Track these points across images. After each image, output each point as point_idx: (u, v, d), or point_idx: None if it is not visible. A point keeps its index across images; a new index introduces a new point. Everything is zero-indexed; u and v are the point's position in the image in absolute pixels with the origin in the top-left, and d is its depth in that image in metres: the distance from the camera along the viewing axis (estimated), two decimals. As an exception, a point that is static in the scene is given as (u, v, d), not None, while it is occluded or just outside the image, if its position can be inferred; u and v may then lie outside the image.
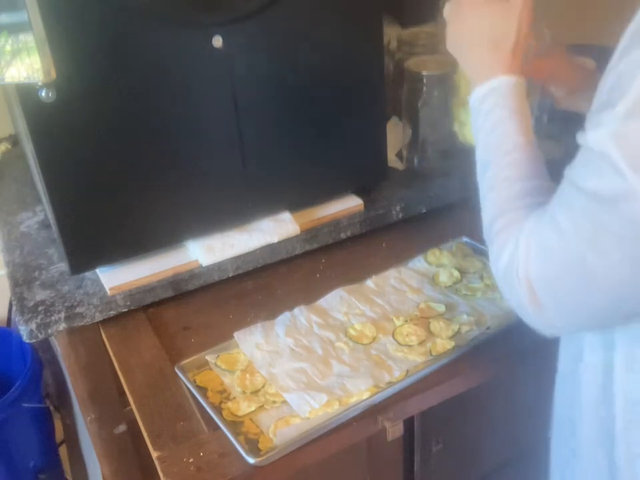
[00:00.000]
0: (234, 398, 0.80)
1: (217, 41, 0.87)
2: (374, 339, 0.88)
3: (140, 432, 0.79)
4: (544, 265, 0.60)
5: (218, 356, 0.86)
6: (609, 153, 0.52)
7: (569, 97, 0.92)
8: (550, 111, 1.21)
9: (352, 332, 0.89)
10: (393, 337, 0.88)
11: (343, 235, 1.08)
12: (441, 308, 0.93)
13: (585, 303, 0.59)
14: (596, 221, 0.55)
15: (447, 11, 0.80)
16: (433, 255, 1.03)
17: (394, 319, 0.91)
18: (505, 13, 0.74)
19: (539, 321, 0.63)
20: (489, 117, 0.72)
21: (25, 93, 0.78)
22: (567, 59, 0.92)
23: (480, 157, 0.73)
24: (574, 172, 0.58)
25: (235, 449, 0.73)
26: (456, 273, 0.99)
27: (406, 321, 0.91)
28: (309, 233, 1.05)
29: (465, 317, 0.90)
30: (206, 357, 0.86)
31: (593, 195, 0.55)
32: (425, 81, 1.10)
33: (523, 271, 0.61)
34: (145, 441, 0.77)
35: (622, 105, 0.52)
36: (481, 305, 0.93)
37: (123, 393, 0.88)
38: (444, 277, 0.99)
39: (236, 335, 0.89)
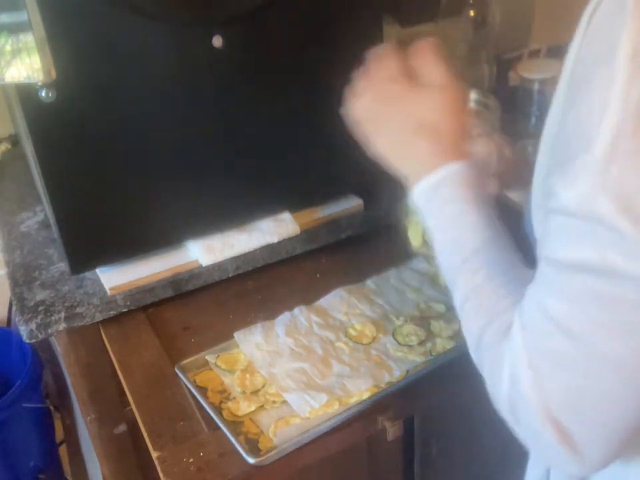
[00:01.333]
0: (234, 398, 0.80)
1: (217, 41, 0.87)
2: (374, 339, 0.88)
3: (140, 432, 0.79)
4: (560, 383, 0.46)
5: (218, 356, 0.86)
6: (597, 211, 0.43)
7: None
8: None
9: (352, 332, 0.89)
10: (393, 336, 0.88)
11: (343, 235, 1.08)
12: (442, 308, 0.93)
13: (626, 413, 0.46)
14: (603, 300, 0.44)
15: (360, 106, 0.65)
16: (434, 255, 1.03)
17: (394, 318, 0.91)
18: (438, 97, 0.62)
19: (575, 462, 0.47)
20: (444, 213, 0.60)
21: (25, 92, 0.78)
22: (529, 162, 0.77)
23: (444, 260, 0.61)
24: (551, 249, 0.48)
25: (235, 449, 0.73)
26: (456, 273, 0.99)
27: (406, 321, 0.91)
28: (309, 233, 1.05)
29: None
30: (206, 357, 0.86)
31: (587, 269, 0.44)
32: (424, 80, 1.10)
33: (536, 401, 0.47)
34: (145, 441, 0.77)
35: (597, 149, 0.43)
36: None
37: (123, 393, 0.88)
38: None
39: (236, 335, 0.89)
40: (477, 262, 0.57)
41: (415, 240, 0.85)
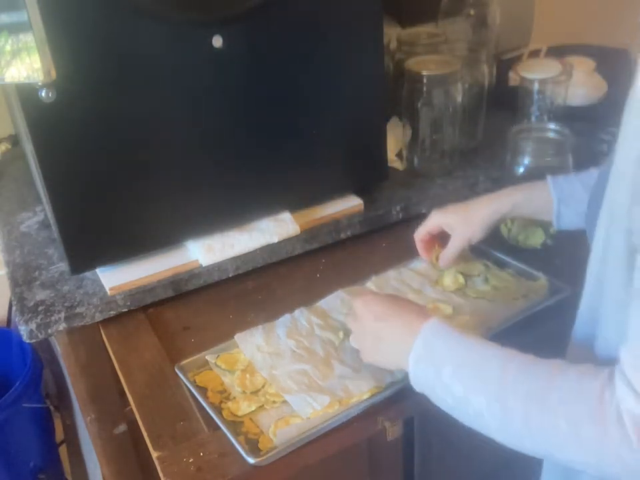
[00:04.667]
0: (234, 398, 0.80)
1: (217, 41, 0.87)
2: (374, 339, 0.88)
3: (140, 432, 0.79)
4: None
5: (218, 356, 0.86)
6: None
7: None
8: (549, 110, 1.21)
9: (352, 332, 0.89)
10: (393, 337, 0.88)
11: (343, 235, 1.08)
12: (447, 309, 0.92)
13: None
14: None
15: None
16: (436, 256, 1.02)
17: (394, 319, 0.90)
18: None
19: None
20: (451, 360, 0.65)
21: (25, 92, 0.78)
22: None
23: (479, 400, 0.65)
24: None
25: (235, 449, 0.73)
26: (461, 279, 0.97)
27: (406, 321, 0.90)
28: (309, 233, 1.05)
29: (467, 317, 0.90)
30: (206, 357, 0.86)
31: None
32: (424, 80, 1.10)
33: None
34: (145, 441, 0.77)
35: None
36: (483, 305, 0.93)
37: (123, 393, 0.88)
38: (448, 281, 0.97)
39: (237, 337, 0.89)
40: (513, 367, 0.62)
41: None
